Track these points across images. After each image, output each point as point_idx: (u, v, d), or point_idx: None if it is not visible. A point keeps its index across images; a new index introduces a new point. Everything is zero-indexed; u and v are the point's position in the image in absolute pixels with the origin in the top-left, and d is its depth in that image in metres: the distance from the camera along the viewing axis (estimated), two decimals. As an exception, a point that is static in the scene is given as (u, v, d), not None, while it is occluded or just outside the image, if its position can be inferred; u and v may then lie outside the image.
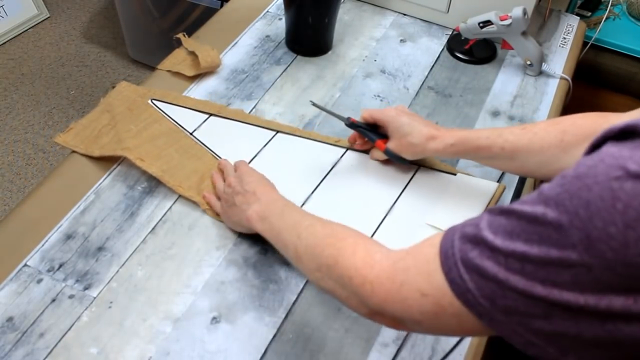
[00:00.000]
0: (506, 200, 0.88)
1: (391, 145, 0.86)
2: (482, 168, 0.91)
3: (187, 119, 0.96)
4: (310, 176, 0.89)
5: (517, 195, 0.89)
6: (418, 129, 0.82)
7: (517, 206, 0.42)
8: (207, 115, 0.97)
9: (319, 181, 0.89)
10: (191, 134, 0.93)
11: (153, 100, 0.98)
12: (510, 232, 0.41)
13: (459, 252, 0.45)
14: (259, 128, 0.96)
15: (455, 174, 0.90)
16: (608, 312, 0.37)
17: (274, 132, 0.95)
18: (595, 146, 0.41)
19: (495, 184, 0.89)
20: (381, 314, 0.53)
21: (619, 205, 0.36)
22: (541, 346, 0.42)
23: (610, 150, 0.38)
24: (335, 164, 0.92)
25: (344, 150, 0.94)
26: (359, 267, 0.54)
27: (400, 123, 0.83)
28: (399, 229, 0.83)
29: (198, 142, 0.92)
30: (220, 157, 0.90)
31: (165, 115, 0.95)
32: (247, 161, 0.90)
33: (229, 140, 0.93)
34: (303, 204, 0.85)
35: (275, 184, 0.84)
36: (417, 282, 0.48)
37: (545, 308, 0.40)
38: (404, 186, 0.89)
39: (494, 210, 0.44)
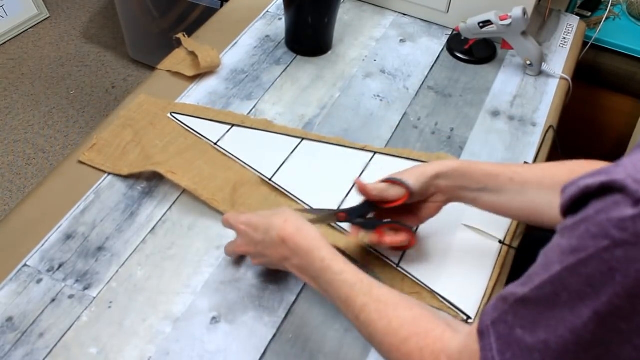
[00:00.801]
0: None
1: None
2: (478, 158, 0.91)
3: (210, 130, 0.94)
4: (342, 181, 0.88)
5: None
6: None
7: (530, 293, 0.43)
8: (229, 126, 0.95)
9: (352, 186, 0.87)
10: (215, 144, 0.92)
11: (173, 114, 0.96)
12: (534, 323, 0.43)
13: (499, 355, 0.45)
14: (284, 136, 0.95)
15: None
16: None
17: (300, 139, 0.94)
18: (577, 202, 0.42)
19: None
20: None
21: (617, 276, 0.37)
22: None
23: (593, 216, 0.39)
24: (365, 167, 0.91)
25: (372, 154, 0.93)
26: None
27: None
28: (437, 230, 0.82)
29: (224, 152, 0.91)
30: (249, 166, 0.89)
31: (188, 128, 0.94)
32: (275, 169, 0.88)
33: (254, 149, 0.92)
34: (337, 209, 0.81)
35: (308, 191, 0.82)
36: None
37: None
38: None
39: (513, 299, 0.45)
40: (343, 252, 0.72)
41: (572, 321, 0.40)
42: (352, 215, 0.75)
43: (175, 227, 0.82)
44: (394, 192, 0.72)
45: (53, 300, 0.73)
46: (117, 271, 0.77)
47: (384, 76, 1.08)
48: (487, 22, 1.04)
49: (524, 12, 1.01)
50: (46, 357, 0.69)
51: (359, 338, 0.72)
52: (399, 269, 0.78)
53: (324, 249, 0.64)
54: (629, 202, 0.36)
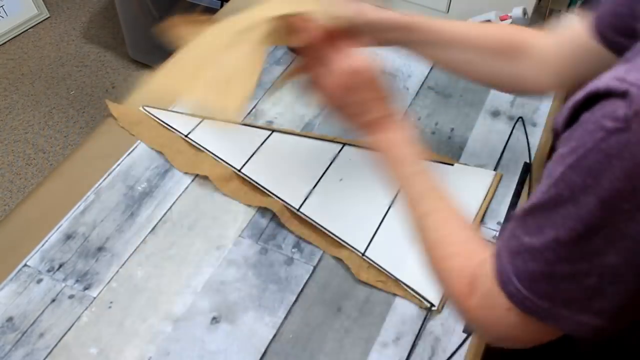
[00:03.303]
0: (504, 188, 0.88)
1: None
2: (479, 158, 0.91)
3: (180, 123, 0.95)
4: (310, 173, 0.89)
5: (520, 183, 0.89)
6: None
7: (535, 200, 0.45)
8: (200, 119, 0.97)
9: (319, 177, 0.89)
10: (186, 136, 0.93)
11: (145, 107, 0.97)
12: (540, 227, 0.44)
13: (510, 266, 0.47)
14: (254, 128, 0.96)
15: (452, 165, 0.91)
16: None
17: (270, 132, 0.96)
18: (570, 119, 0.44)
19: (493, 173, 0.90)
20: (484, 334, 0.58)
21: (615, 162, 0.39)
22: (606, 327, 0.45)
23: (587, 117, 0.42)
24: (334, 159, 0.92)
25: (341, 145, 0.94)
26: (457, 295, 0.56)
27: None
28: (402, 219, 0.83)
29: (195, 144, 0.92)
30: (219, 158, 0.90)
31: (159, 121, 0.95)
32: (244, 161, 0.90)
33: (225, 141, 0.93)
34: (305, 200, 0.85)
35: (275, 182, 0.85)
36: (498, 299, 0.50)
37: (597, 281, 0.42)
38: None
39: (520, 213, 0.47)
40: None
41: (578, 212, 0.42)
42: None
43: (175, 227, 0.82)
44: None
45: (53, 300, 0.73)
46: (117, 271, 0.77)
47: (384, 76, 1.08)
48: (487, 22, 1.04)
49: (524, 12, 1.01)
50: (46, 357, 0.69)
51: (359, 338, 0.72)
52: (364, 257, 0.79)
53: (417, 146, 0.66)
54: (617, 98, 0.39)
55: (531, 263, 0.45)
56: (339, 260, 0.79)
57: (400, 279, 0.77)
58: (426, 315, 0.74)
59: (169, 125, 0.94)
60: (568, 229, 0.42)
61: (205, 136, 0.93)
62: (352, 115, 0.69)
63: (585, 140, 0.41)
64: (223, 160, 0.90)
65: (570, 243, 0.43)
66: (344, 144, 0.94)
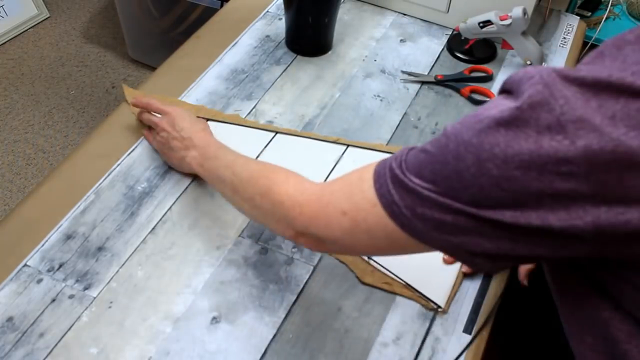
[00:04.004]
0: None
1: None
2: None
3: None
4: (314, 175, 0.89)
5: None
6: None
7: (428, 145, 0.50)
8: (204, 120, 0.96)
9: (324, 179, 0.89)
10: None
11: None
12: (421, 168, 0.49)
13: (389, 171, 0.51)
14: (258, 130, 0.96)
15: None
16: (501, 223, 0.44)
17: (273, 133, 0.95)
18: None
19: None
20: (305, 235, 0.59)
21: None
22: (454, 247, 0.49)
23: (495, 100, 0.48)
24: (338, 161, 0.92)
25: (344, 147, 0.94)
26: (290, 193, 0.61)
27: None
28: None
29: None
30: None
31: None
32: None
33: (228, 144, 0.93)
34: None
35: None
36: (339, 202, 0.55)
37: (452, 215, 0.47)
38: None
39: (413, 149, 0.52)
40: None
41: (456, 165, 0.46)
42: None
43: (175, 227, 0.82)
44: None
45: (53, 300, 0.73)
46: (117, 271, 0.77)
47: (384, 76, 1.08)
48: (487, 22, 1.04)
49: (524, 12, 1.01)
50: (46, 357, 0.69)
51: (359, 338, 0.72)
52: (370, 261, 0.79)
53: (223, 146, 0.78)
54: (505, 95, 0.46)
55: (415, 178, 0.49)
56: (339, 260, 0.79)
57: (406, 281, 0.77)
58: (433, 317, 0.74)
59: None
60: (445, 180, 0.46)
61: None
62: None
63: (484, 109, 0.46)
64: None
65: (444, 187, 0.47)
66: (348, 145, 0.94)
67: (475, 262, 0.49)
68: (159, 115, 0.88)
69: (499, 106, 0.45)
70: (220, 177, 0.73)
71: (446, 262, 0.80)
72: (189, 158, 0.81)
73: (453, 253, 0.50)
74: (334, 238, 0.56)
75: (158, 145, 0.88)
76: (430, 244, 0.50)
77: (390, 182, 0.51)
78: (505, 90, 0.47)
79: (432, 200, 0.47)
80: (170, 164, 0.87)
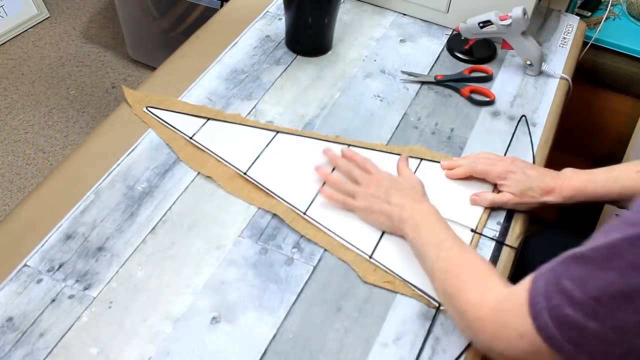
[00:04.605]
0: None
1: (505, 197, 0.84)
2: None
3: (185, 124, 0.95)
4: (315, 175, 0.89)
5: None
6: (536, 184, 0.82)
7: (585, 252, 0.47)
8: (205, 120, 0.97)
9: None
10: (191, 138, 0.93)
11: (148, 108, 0.97)
12: (583, 278, 0.46)
13: (545, 301, 0.49)
14: (258, 129, 0.96)
15: None
16: None
17: (274, 133, 0.95)
18: None
19: None
20: (490, 350, 0.59)
21: None
22: None
23: None
24: None
25: (345, 147, 0.94)
26: (473, 304, 0.59)
27: (516, 180, 0.83)
28: None
29: (200, 146, 0.92)
30: (224, 160, 0.90)
31: (164, 123, 0.95)
32: (251, 162, 0.90)
33: (229, 143, 0.93)
34: (311, 203, 0.85)
35: (281, 185, 0.85)
36: (515, 324, 0.53)
37: (624, 354, 0.44)
38: None
39: (567, 255, 0.49)
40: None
41: (620, 284, 0.43)
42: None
43: (175, 227, 0.82)
44: None
45: (53, 300, 0.73)
46: (117, 271, 0.77)
47: (384, 76, 1.08)
48: (487, 22, 1.04)
49: (524, 12, 1.01)
50: (46, 357, 0.68)
51: (359, 338, 0.72)
52: (372, 260, 0.79)
53: (440, 219, 0.76)
54: None
55: (568, 309, 0.47)
56: (339, 260, 0.79)
57: (407, 279, 0.77)
58: (433, 317, 0.74)
59: (174, 127, 0.94)
60: (612, 295, 0.44)
61: (210, 138, 0.93)
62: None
63: None
64: (229, 163, 0.90)
65: (610, 308, 0.44)
66: (348, 145, 0.94)
67: None
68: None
69: None
70: (425, 253, 0.73)
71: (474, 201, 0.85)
72: (406, 214, 0.77)
73: None
74: (518, 357, 0.55)
75: (363, 199, 0.82)
76: None
77: (546, 314, 0.49)
78: None
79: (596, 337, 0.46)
80: (368, 220, 0.82)
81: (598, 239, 0.47)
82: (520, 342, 0.53)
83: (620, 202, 0.79)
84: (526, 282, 0.54)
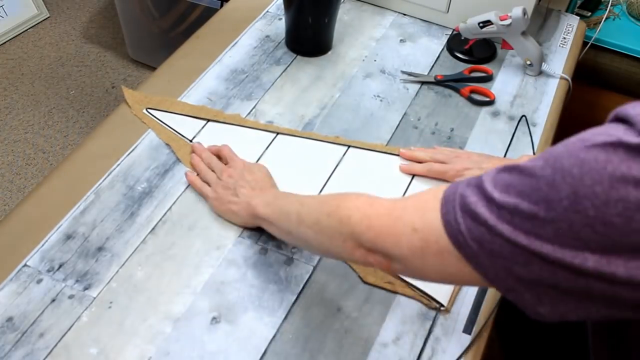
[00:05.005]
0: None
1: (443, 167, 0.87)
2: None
3: (186, 126, 0.95)
4: (316, 176, 0.89)
5: None
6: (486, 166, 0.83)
7: (521, 163, 0.45)
8: (205, 121, 0.97)
9: (325, 180, 0.89)
10: (191, 141, 0.93)
11: (148, 110, 0.97)
12: (507, 186, 0.45)
13: (459, 197, 0.48)
14: (259, 131, 0.96)
15: None
16: (581, 268, 0.41)
17: (275, 134, 0.95)
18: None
19: None
20: (374, 252, 0.57)
21: (609, 167, 0.39)
22: (520, 292, 0.45)
23: (613, 125, 0.42)
24: (339, 162, 0.92)
25: (346, 147, 0.94)
26: (360, 206, 0.58)
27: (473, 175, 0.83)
28: None
29: None
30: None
31: (164, 125, 0.95)
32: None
33: (230, 144, 0.93)
34: None
35: (283, 186, 0.84)
36: (411, 217, 0.52)
37: (526, 256, 0.43)
38: (409, 181, 0.89)
39: (501, 167, 0.48)
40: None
41: (548, 195, 0.42)
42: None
43: (175, 227, 0.82)
44: None
45: (53, 300, 0.73)
46: (117, 271, 0.77)
47: (384, 76, 1.08)
48: (487, 22, 1.04)
49: (524, 12, 1.01)
50: (46, 357, 0.69)
51: (359, 338, 0.72)
52: None
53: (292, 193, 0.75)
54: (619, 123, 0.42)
55: (483, 209, 0.45)
56: (339, 260, 0.79)
57: (408, 280, 0.77)
58: (433, 317, 0.74)
59: (174, 129, 0.94)
60: (531, 206, 0.42)
61: (211, 140, 0.93)
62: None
63: (597, 136, 0.42)
64: None
65: (526, 216, 0.43)
66: (349, 146, 0.94)
67: (539, 313, 0.45)
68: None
69: (611, 132, 0.41)
70: (287, 211, 0.70)
71: None
72: (256, 201, 0.77)
73: (516, 300, 0.46)
74: (403, 256, 0.53)
75: (215, 190, 0.83)
76: (494, 283, 0.47)
77: (459, 209, 0.47)
78: (620, 120, 0.42)
79: (505, 233, 0.44)
80: (219, 212, 0.83)
81: (539, 154, 0.45)
82: (413, 237, 0.51)
83: None
84: (436, 189, 0.52)
